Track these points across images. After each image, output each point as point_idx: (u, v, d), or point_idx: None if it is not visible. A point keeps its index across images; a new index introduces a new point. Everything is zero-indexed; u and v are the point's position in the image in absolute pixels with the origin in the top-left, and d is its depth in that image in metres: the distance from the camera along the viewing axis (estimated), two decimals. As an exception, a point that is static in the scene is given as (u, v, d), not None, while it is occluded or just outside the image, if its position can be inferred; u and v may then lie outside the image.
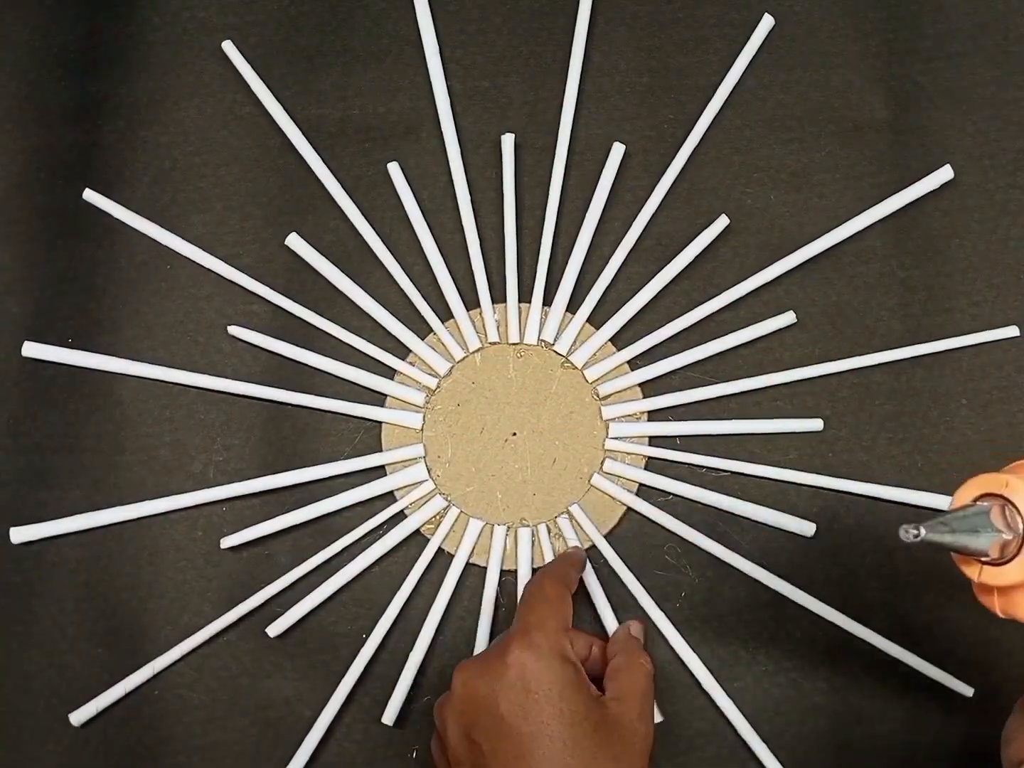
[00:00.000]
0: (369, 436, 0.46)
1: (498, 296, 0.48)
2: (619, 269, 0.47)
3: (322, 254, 0.48)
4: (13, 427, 0.46)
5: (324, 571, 0.45)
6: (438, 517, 0.46)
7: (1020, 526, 0.30)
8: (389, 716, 0.42)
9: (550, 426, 0.46)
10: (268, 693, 0.44)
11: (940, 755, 0.43)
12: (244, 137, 0.50)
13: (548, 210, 0.48)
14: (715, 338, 0.46)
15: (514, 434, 0.46)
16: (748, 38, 0.50)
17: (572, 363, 0.47)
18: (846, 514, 0.45)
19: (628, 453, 0.46)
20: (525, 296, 0.48)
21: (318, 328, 0.47)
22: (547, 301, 0.47)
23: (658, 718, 0.43)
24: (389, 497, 0.46)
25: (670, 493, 0.45)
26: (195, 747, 0.44)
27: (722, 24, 0.50)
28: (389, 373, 0.47)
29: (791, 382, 0.46)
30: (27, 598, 0.45)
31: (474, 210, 0.48)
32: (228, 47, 0.50)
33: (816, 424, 0.46)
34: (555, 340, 0.47)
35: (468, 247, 0.48)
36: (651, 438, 0.46)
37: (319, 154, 0.49)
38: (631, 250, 0.48)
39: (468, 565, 0.45)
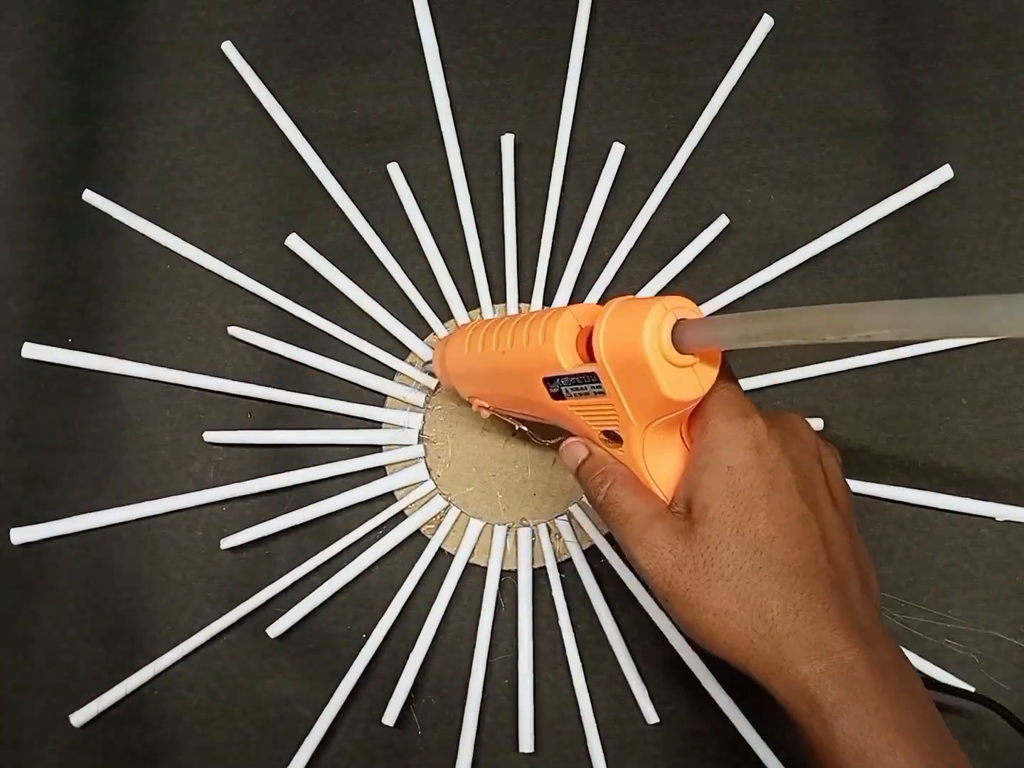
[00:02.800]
0: (369, 436, 0.47)
1: (498, 296, 0.48)
2: (619, 269, 0.47)
3: (322, 254, 0.48)
4: (13, 427, 0.46)
5: (324, 571, 0.45)
6: (438, 517, 0.46)
7: None
8: (389, 716, 0.42)
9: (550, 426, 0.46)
10: (268, 693, 0.44)
11: (940, 755, 0.43)
12: (244, 137, 0.50)
13: (548, 210, 0.48)
14: (715, 338, 0.46)
15: (514, 434, 0.46)
16: (748, 38, 0.50)
17: (572, 363, 0.47)
18: (846, 514, 0.45)
19: (628, 453, 0.46)
20: (525, 296, 0.48)
21: (318, 328, 0.47)
22: (547, 301, 0.47)
23: (656, 718, 0.43)
24: (389, 497, 0.46)
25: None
26: (195, 747, 0.44)
27: (722, 24, 0.50)
28: (389, 373, 0.47)
29: (791, 382, 0.46)
30: (27, 598, 0.45)
31: (474, 210, 0.48)
32: (228, 47, 0.50)
33: (816, 424, 0.46)
34: (555, 340, 0.47)
35: (468, 247, 0.48)
36: (651, 438, 0.46)
37: (319, 154, 0.49)
38: (631, 250, 0.48)
39: (468, 565, 0.45)
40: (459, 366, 0.41)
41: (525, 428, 0.41)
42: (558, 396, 0.34)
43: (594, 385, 0.32)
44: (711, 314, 0.47)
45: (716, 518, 0.30)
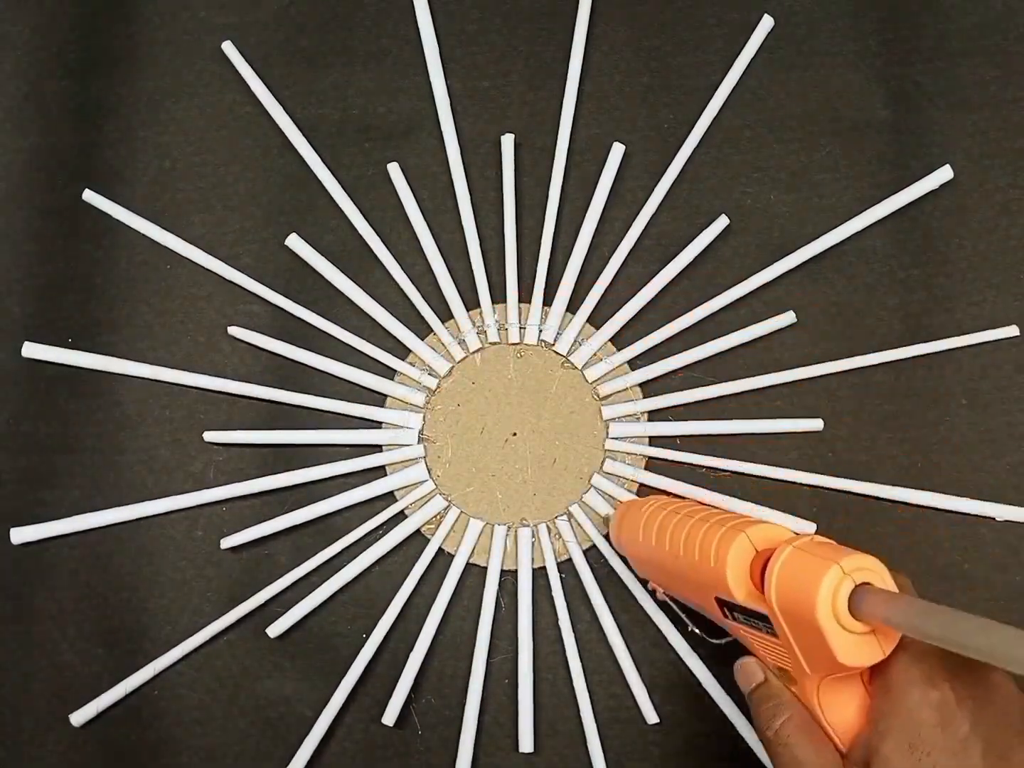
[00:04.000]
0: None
1: (498, 296, 0.48)
2: (619, 269, 0.47)
3: (322, 254, 0.48)
4: (13, 427, 0.46)
5: (324, 571, 0.45)
6: (438, 517, 0.46)
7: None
8: (389, 716, 0.42)
9: (550, 426, 0.46)
10: (268, 693, 0.44)
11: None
12: (244, 137, 0.50)
13: (548, 210, 0.48)
14: (715, 338, 0.46)
15: (514, 434, 0.46)
16: (748, 38, 0.50)
17: (572, 363, 0.47)
18: (846, 514, 0.45)
19: (628, 453, 0.46)
20: (525, 296, 0.48)
21: (318, 328, 0.47)
22: (547, 301, 0.47)
23: (656, 718, 0.43)
24: (389, 497, 0.46)
25: (670, 493, 0.45)
26: (195, 747, 0.44)
27: (722, 24, 0.50)
28: (389, 373, 0.47)
29: (791, 382, 0.46)
30: (27, 598, 0.45)
31: (474, 210, 0.48)
32: (228, 47, 0.50)
33: (816, 424, 0.46)
34: (555, 340, 0.47)
35: (468, 247, 0.48)
36: (651, 438, 0.46)
37: (319, 154, 0.49)
38: (631, 250, 0.48)
39: (468, 565, 0.45)
40: (633, 547, 0.40)
41: (697, 631, 0.39)
42: (730, 618, 0.33)
43: (767, 625, 0.30)
44: (708, 315, 0.47)
45: None
